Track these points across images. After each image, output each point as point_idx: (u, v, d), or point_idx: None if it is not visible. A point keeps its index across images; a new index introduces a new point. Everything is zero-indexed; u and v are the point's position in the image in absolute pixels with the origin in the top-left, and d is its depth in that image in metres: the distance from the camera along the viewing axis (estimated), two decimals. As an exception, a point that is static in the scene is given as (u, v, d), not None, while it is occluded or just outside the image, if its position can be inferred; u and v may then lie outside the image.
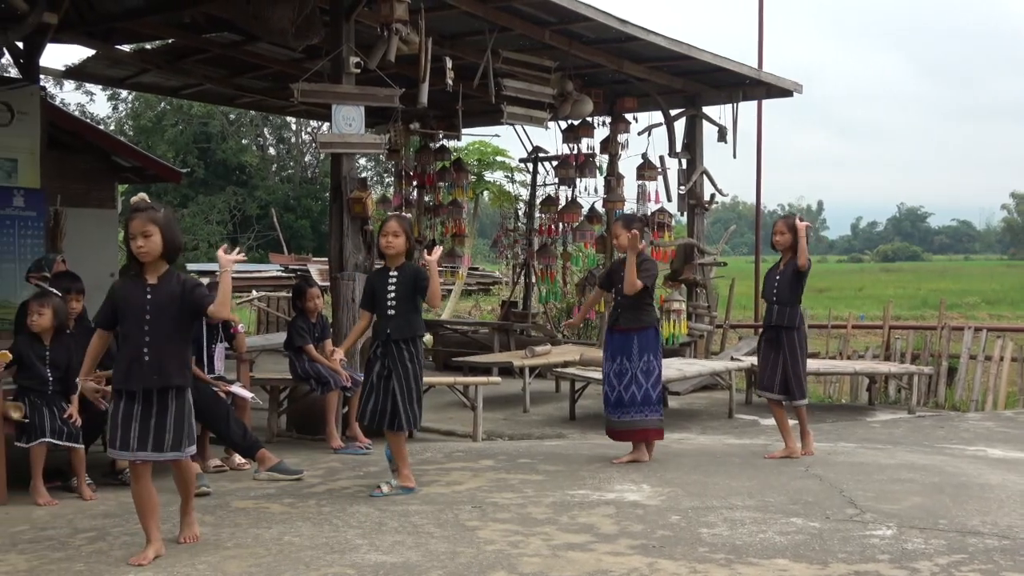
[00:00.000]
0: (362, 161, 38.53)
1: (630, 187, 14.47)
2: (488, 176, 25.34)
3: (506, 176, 24.89)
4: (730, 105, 14.29)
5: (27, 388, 6.99)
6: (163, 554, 5.24)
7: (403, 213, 7.82)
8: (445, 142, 15.67)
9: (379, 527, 5.85)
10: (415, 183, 15.42)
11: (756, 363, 8.98)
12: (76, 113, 32.27)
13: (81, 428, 7.00)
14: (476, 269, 31.55)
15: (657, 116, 14.64)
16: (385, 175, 40.28)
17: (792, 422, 8.38)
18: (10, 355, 7.02)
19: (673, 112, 14.56)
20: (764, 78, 14.09)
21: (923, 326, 15.76)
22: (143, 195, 5.45)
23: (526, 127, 14.23)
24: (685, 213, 14.87)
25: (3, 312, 9.51)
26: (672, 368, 11.53)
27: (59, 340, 7.09)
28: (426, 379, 10.17)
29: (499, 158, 24.92)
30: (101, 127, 28.20)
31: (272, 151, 49.34)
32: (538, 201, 15.76)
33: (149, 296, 5.23)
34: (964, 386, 13.28)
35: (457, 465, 7.81)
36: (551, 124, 13.24)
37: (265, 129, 47.72)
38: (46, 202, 11.44)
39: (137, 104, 43.61)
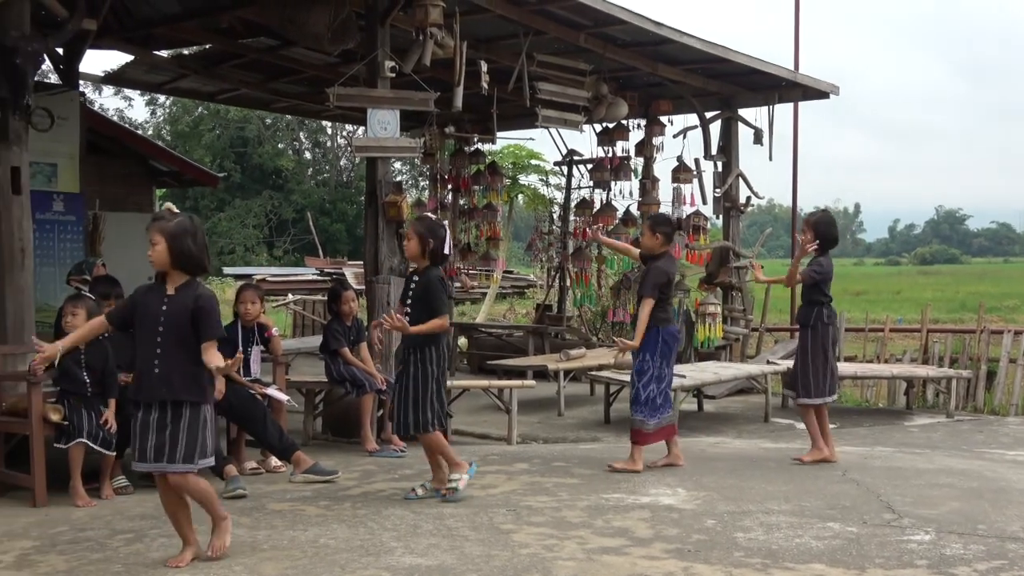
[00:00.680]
0: (397, 165, 38.63)
1: (665, 190, 14.44)
2: (523, 179, 25.27)
3: (541, 179, 24.80)
4: (766, 107, 14.22)
5: (66, 391, 7.07)
6: (201, 556, 5.28)
7: (426, 213, 7.67)
8: (480, 145, 15.68)
9: (414, 530, 5.87)
10: (450, 187, 15.44)
11: (792, 366, 8.96)
12: (115, 118, 32.61)
13: (116, 434, 7.06)
14: (511, 272, 31.57)
15: (692, 119, 14.61)
16: (420, 179, 40.37)
17: (832, 426, 8.32)
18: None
19: (708, 115, 14.50)
20: (800, 80, 13.99)
21: (962, 329, 15.61)
22: (169, 205, 5.39)
23: (561, 130, 14.21)
24: (721, 216, 14.80)
25: (43, 315, 9.60)
26: (708, 372, 11.49)
27: (95, 343, 7.12)
28: (460, 383, 10.22)
29: (534, 161, 24.85)
30: (139, 132, 28.49)
31: (308, 155, 49.67)
32: (573, 204, 15.75)
33: (165, 307, 5.16)
34: (1004, 390, 13.12)
35: (492, 468, 7.81)
36: (586, 127, 13.22)
37: (301, 133, 48.03)
38: (85, 206, 11.57)
39: (175, 109, 44.05)
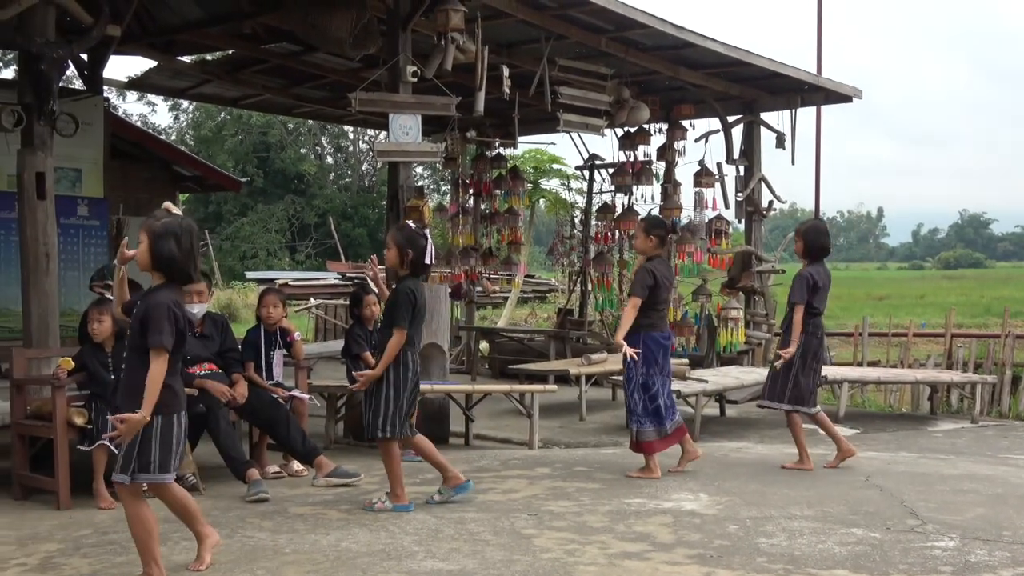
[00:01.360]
0: (419, 169, 38.67)
1: (687, 194, 14.38)
2: (544, 184, 25.27)
3: (562, 184, 24.79)
4: (788, 111, 14.18)
5: (94, 395, 7.10)
6: (219, 542, 5.27)
7: (407, 222, 7.55)
8: (501, 150, 15.69)
9: (435, 534, 5.87)
10: (471, 191, 15.47)
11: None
12: (138, 124, 32.79)
13: None
14: (532, 277, 31.56)
15: (714, 123, 14.56)
16: (442, 183, 40.47)
17: (843, 430, 8.24)
18: (72, 362, 7.13)
19: (730, 118, 14.46)
20: (822, 83, 13.93)
21: (986, 334, 15.53)
22: (168, 204, 5.20)
23: (582, 135, 14.18)
24: (743, 220, 14.75)
25: (68, 320, 9.68)
26: (730, 376, 11.45)
27: (120, 346, 7.17)
28: (482, 387, 10.21)
29: (555, 166, 24.84)
30: (163, 137, 28.68)
31: (330, 160, 49.81)
32: (594, 208, 15.73)
33: (136, 310, 4.92)
34: (1029, 395, 13.06)
35: (513, 473, 7.81)
36: (607, 131, 13.20)
37: (323, 138, 48.18)
38: (109, 211, 11.66)
39: (198, 114, 44.30)
